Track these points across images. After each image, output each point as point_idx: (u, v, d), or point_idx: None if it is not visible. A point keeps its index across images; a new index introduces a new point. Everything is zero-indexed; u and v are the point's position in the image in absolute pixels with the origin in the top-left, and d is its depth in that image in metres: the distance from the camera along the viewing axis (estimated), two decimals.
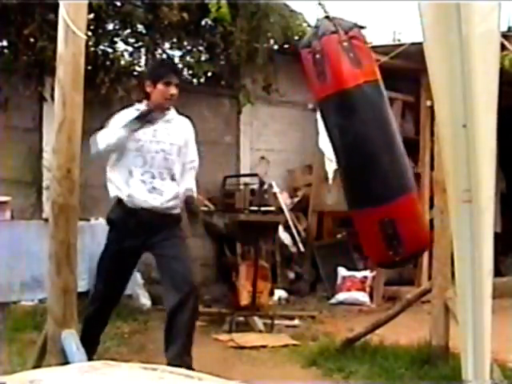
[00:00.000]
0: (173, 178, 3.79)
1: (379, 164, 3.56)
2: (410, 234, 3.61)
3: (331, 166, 7.05)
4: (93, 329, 3.82)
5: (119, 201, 3.77)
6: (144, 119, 3.68)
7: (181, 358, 3.54)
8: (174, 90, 3.78)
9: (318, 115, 7.14)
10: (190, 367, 3.47)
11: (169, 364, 3.45)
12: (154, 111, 3.70)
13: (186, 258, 3.79)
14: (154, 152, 3.74)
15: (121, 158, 3.78)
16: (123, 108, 3.98)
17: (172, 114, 3.91)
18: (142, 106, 3.83)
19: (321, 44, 3.46)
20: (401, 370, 3.98)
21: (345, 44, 3.44)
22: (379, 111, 3.57)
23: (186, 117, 4.05)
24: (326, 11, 3.51)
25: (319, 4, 3.50)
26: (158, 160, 3.75)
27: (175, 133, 3.84)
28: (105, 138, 3.72)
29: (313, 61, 3.51)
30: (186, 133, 3.91)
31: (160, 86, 3.75)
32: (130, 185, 3.74)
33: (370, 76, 3.54)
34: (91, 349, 3.59)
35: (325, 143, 7.13)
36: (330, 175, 7.13)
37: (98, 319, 3.88)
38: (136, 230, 3.71)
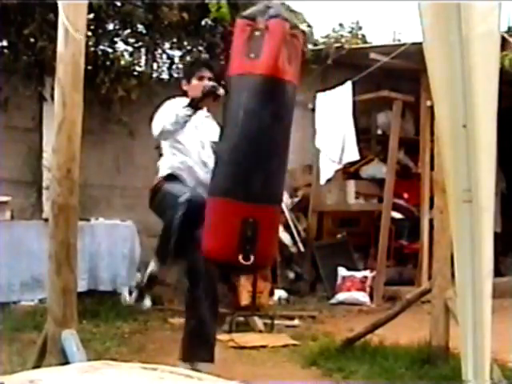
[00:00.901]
0: (207, 172, 3.76)
1: (270, 163, 3.31)
2: (264, 245, 3.29)
3: (331, 166, 7.06)
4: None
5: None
6: (208, 93, 3.62)
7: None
8: (208, 83, 3.80)
9: (318, 114, 7.18)
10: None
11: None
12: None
13: None
14: (200, 145, 3.88)
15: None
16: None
17: (206, 111, 3.96)
18: (184, 101, 3.77)
19: (267, 24, 3.31)
20: (401, 370, 3.97)
21: (287, 37, 3.33)
22: (289, 115, 3.38)
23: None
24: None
25: None
26: (206, 151, 3.86)
27: (211, 129, 3.92)
28: (166, 122, 3.67)
29: (249, 35, 3.33)
30: (214, 133, 3.87)
31: (194, 82, 3.89)
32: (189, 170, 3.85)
33: (294, 79, 3.40)
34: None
35: (322, 143, 7.15)
36: (328, 176, 7.13)
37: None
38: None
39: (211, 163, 3.60)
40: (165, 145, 3.99)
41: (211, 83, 3.72)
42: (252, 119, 3.24)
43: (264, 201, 3.29)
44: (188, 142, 3.88)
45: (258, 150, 3.26)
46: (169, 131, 3.70)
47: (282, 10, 3.34)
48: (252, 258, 3.21)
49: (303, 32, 3.47)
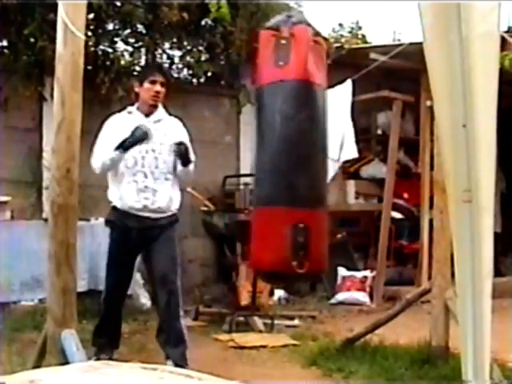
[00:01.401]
0: (166, 178, 3.83)
1: (312, 166, 3.32)
2: (317, 250, 3.26)
3: (333, 166, 7.05)
4: (112, 324, 4.18)
5: (113, 206, 3.92)
6: (138, 140, 3.77)
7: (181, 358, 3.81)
8: (159, 87, 3.88)
9: None
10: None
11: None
12: (148, 132, 3.77)
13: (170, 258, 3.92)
14: (144, 152, 3.82)
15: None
16: (117, 111, 4.12)
17: (161, 113, 4.00)
18: (133, 109, 3.97)
19: (292, 31, 3.33)
20: (401, 370, 3.97)
21: (311, 43, 3.36)
22: (324, 117, 3.41)
23: (177, 118, 4.11)
24: (300, 5, 3.47)
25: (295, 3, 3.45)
26: (148, 160, 3.81)
27: (165, 132, 3.90)
28: (100, 160, 3.87)
29: (275, 44, 3.36)
30: (177, 133, 3.95)
31: (146, 85, 3.90)
32: (120, 187, 3.86)
33: (323, 83, 3.43)
34: (116, 342, 4.14)
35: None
36: (330, 175, 7.12)
37: (115, 313, 4.19)
38: (130, 231, 3.83)
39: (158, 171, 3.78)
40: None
41: (144, 128, 3.78)
42: (289, 123, 3.27)
43: (311, 205, 3.26)
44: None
45: (298, 153, 3.26)
46: (107, 168, 3.91)
47: (304, 17, 3.39)
48: (306, 264, 3.18)
49: (325, 39, 3.51)
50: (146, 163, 3.81)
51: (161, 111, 4.00)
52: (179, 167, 3.83)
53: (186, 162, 3.81)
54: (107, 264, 4.03)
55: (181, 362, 3.74)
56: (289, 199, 3.22)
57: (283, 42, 3.30)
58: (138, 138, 3.74)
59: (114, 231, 3.96)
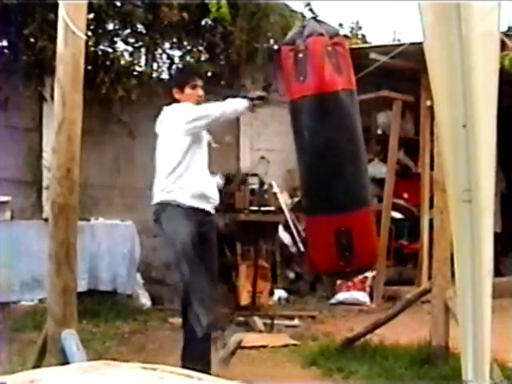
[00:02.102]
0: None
1: (344, 173, 3.54)
2: (362, 248, 3.58)
3: None
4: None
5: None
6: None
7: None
8: (200, 92, 4.02)
9: None
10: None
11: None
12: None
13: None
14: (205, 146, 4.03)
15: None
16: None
17: None
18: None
19: (306, 44, 3.42)
20: (401, 370, 3.97)
21: (329, 48, 3.42)
22: (351, 121, 3.54)
23: None
24: (314, 13, 3.52)
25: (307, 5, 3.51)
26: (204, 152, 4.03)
27: None
28: (221, 109, 3.90)
29: (294, 59, 3.46)
30: None
31: (188, 91, 3.99)
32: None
33: (348, 85, 3.52)
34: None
35: None
36: None
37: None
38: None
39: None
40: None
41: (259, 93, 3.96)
42: (315, 136, 3.47)
43: (350, 208, 3.51)
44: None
45: (328, 162, 3.46)
46: (216, 119, 3.86)
47: (316, 27, 3.45)
48: (352, 261, 3.51)
49: (346, 36, 3.59)
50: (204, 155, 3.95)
51: None
52: None
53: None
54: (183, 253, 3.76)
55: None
56: (327, 207, 3.52)
57: (301, 55, 3.42)
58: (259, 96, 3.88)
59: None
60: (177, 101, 4.01)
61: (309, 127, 3.48)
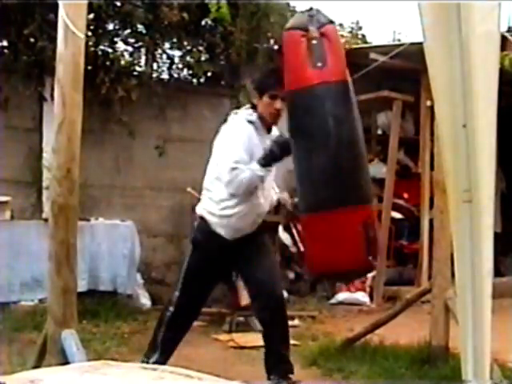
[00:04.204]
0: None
1: (365, 161, 3.49)
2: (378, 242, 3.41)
3: None
4: (175, 333, 3.71)
5: None
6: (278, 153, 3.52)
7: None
8: (279, 105, 3.51)
9: None
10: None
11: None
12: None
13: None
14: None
15: None
16: (227, 120, 3.71)
17: (275, 132, 3.66)
18: (254, 119, 3.58)
19: (322, 31, 3.35)
20: (401, 370, 3.98)
21: (313, 42, 3.34)
22: (357, 114, 3.46)
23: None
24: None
25: None
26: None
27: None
28: (244, 184, 3.45)
29: (307, 45, 3.37)
30: None
31: (265, 99, 3.54)
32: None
33: (347, 77, 3.44)
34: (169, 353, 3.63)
35: None
36: None
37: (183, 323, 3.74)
38: None
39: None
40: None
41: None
42: (343, 125, 3.30)
43: (370, 200, 3.44)
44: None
45: (355, 153, 3.34)
46: (243, 192, 3.47)
47: (322, 15, 3.41)
48: (375, 254, 3.36)
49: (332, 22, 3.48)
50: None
51: (274, 131, 3.67)
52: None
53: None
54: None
55: None
56: (357, 198, 3.32)
57: (314, 42, 3.29)
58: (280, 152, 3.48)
59: None
60: (254, 106, 3.60)
61: (335, 114, 3.28)
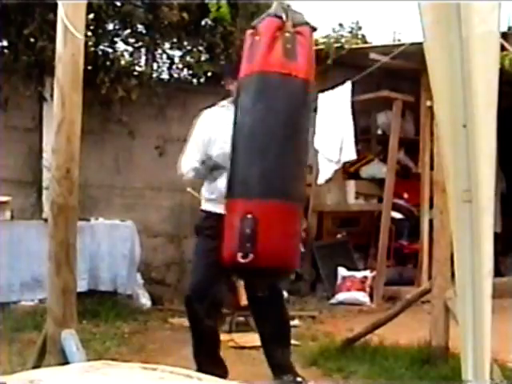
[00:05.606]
0: None
1: (266, 157, 3.21)
2: (266, 244, 3.13)
3: (330, 166, 7.05)
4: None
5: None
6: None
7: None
8: None
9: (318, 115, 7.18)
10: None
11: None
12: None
13: None
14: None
15: None
16: (208, 106, 3.96)
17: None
18: (226, 103, 3.80)
19: (261, 26, 3.32)
20: (401, 370, 3.97)
21: (286, 34, 3.30)
22: (295, 108, 3.26)
23: None
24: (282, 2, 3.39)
25: None
26: None
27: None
28: (190, 166, 3.77)
29: (250, 42, 3.36)
30: None
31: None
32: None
33: (300, 73, 3.33)
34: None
35: (320, 143, 7.15)
36: (326, 176, 7.09)
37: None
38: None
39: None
40: None
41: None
42: (245, 115, 3.26)
43: (256, 194, 3.23)
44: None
45: (250, 144, 3.25)
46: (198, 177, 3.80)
47: (276, 9, 3.34)
48: (253, 257, 3.18)
49: (311, 27, 3.41)
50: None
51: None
52: None
53: None
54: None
55: None
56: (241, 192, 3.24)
57: (256, 38, 3.28)
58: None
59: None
60: (229, 92, 3.77)
61: (241, 106, 3.28)
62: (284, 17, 3.31)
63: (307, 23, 3.38)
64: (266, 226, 3.14)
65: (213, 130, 3.73)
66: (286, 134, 3.25)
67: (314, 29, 3.47)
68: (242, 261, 3.11)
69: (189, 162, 3.76)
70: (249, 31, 3.39)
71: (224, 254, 3.28)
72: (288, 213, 3.30)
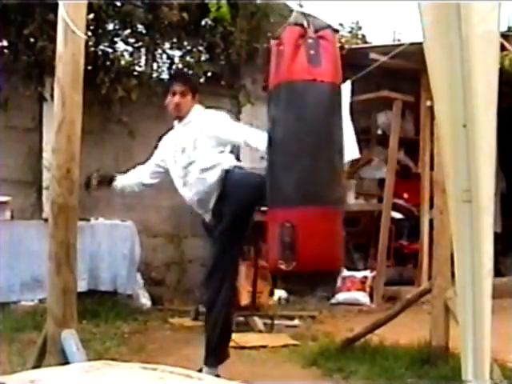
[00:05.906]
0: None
1: (299, 165, 3.23)
2: (306, 249, 3.19)
3: None
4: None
5: None
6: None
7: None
8: (177, 99, 3.83)
9: None
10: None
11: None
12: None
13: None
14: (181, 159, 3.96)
15: None
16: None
17: (190, 117, 3.93)
18: (176, 123, 3.99)
19: (283, 36, 3.36)
20: (401, 370, 3.97)
21: (309, 41, 3.31)
22: (323, 113, 3.35)
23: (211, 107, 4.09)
24: (301, 6, 3.42)
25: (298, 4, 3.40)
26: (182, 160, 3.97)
27: (200, 128, 3.88)
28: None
29: (276, 53, 3.41)
30: (195, 132, 3.89)
31: (169, 97, 3.88)
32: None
33: (325, 78, 3.34)
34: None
35: None
36: None
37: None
38: None
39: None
40: None
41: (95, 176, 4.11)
42: (276, 125, 3.29)
43: (294, 202, 3.26)
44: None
45: (283, 153, 3.31)
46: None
47: (296, 17, 3.39)
48: (293, 262, 3.28)
49: (332, 29, 3.44)
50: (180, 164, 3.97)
51: (193, 114, 3.93)
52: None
53: None
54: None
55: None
56: (280, 199, 3.29)
57: (281, 48, 3.33)
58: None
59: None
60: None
61: (272, 117, 3.30)
62: (305, 24, 3.33)
63: (329, 26, 3.40)
64: (305, 232, 3.19)
65: (161, 151, 4.11)
66: (316, 141, 3.28)
67: (335, 30, 3.50)
68: (284, 268, 3.19)
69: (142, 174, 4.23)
70: (273, 42, 3.45)
71: (268, 262, 3.50)
72: (325, 216, 3.32)
